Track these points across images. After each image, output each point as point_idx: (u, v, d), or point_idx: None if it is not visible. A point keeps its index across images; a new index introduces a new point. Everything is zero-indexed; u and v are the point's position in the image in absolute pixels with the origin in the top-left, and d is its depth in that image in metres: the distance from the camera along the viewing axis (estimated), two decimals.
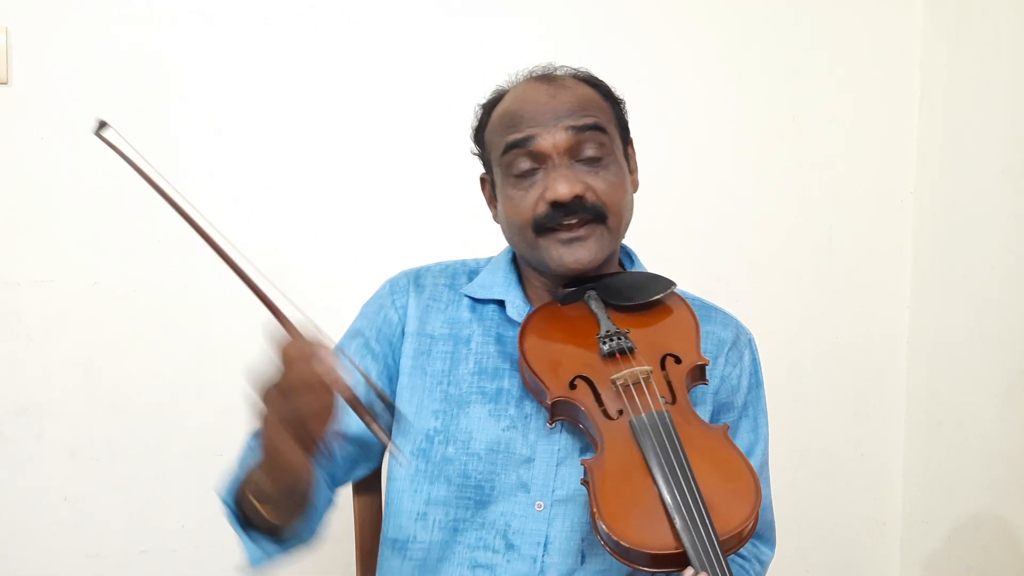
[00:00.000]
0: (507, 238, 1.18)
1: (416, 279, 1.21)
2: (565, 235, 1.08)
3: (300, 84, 1.75)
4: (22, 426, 1.68)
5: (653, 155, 1.83)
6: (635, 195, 1.18)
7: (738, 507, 0.93)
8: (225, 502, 1.04)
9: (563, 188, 1.06)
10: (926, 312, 1.89)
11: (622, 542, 0.90)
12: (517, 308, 1.15)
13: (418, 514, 1.10)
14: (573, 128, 1.09)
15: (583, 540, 1.06)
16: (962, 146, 1.80)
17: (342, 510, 1.43)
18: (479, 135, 1.20)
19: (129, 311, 1.70)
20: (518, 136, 1.10)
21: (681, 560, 0.90)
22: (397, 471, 1.13)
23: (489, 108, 1.19)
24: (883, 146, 1.92)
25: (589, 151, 1.10)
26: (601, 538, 0.93)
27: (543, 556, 1.05)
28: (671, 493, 0.92)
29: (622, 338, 1.06)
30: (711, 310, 1.20)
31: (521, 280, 1.19)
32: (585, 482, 0.98)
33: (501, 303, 1.17)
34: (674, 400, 1.03)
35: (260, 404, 0.85)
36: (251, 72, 1.73)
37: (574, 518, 1.06)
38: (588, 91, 1.15)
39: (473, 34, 1.79)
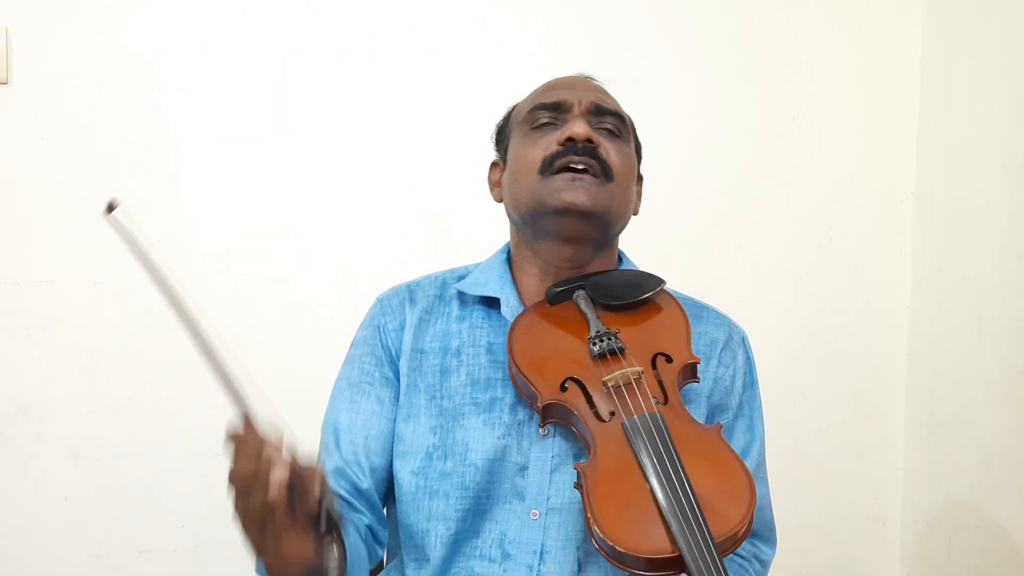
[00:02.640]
0: (509, 197, 1.16)
1: (411, 294, 1.20)
2: (570, 175, 1.08)
3: (301, 84, 1.75)
4: (22, 426, 1.68)
5: (653, 155, 1.83)
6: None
7: (733, 508, 0.92)
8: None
9: (580, 128, 1.08)
10: (926, 312, 1.89)
11: (617, 547, 0.89)
12: (511, 307, 1.14)
13: (422, 531, 1.09)
14: (599, 105, 1.13)
15: (579, 548, 1.05)
16: (962, 146, 1.80)
17: None
18: (502, 126, 1.22)
19: (129, 311, 1.70)
20: (546, 99, 1.14)
21: (678, 563, 0.88)
22: (399, 490, 1.12)
23: (518, 104, 1.22)
24: (883, 146, 1.92)
25: (608, 125, 1.13)
26: (596, 543, 0.92)
27: (539, 565, 1.04)
28: (665, 495, 0.91)
29: (612, 338, 1.05)
30: (702, 309, 1.19)
31: (514, 281, 1.18)
32: (579, 486, 0.96)
33: (490, 304, 1.16)
34: (666, 400, 1.02)
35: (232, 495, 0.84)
36: (252, 72, 1.73)
37: (570, 526, 1.05)
38: (618, 103, 1.19)
39: (473, 34, 1.80)
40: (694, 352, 1.07)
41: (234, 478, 0.82)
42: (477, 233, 1.79)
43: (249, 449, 0.82)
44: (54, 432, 1.68)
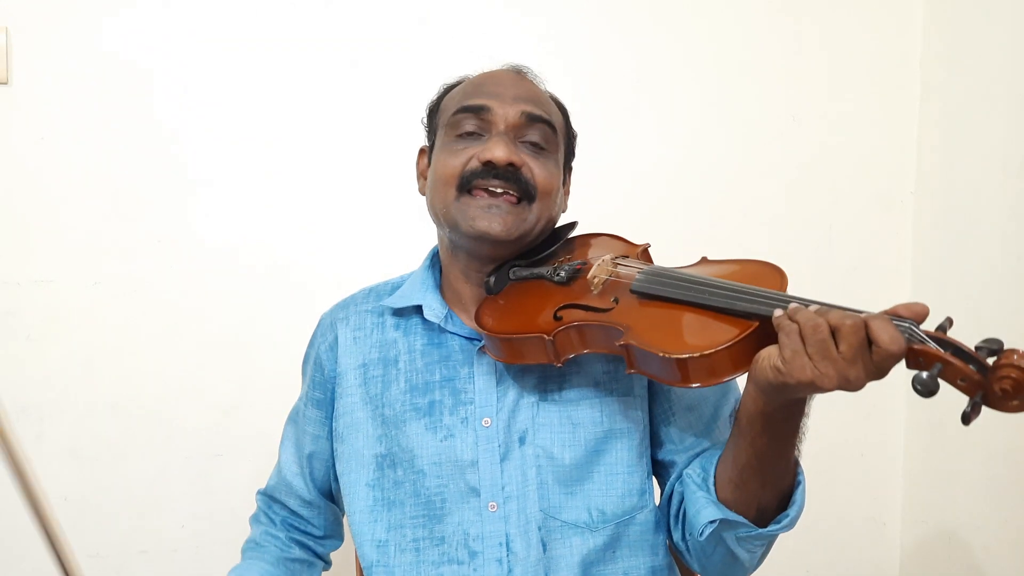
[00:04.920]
0: (428, 201, 1.15)
1: (343, 311, 1.22)
2: (486, 200, 1.07)
3: (301, 83, 1.75)
4: (22, 426, 1.68)
5: (652, 155, 1.84)
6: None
7: (770, 281, 0.97)
8: None
9: (500, 152, 1.06)
10: None
11: (706, 351, 0.89)
12: (434, 311, 1.14)
13: (379, 542, 1.10)
14: (526, 113, 1.10)
15: (540, 529, 1.06)
16: (962, 146, 1.80)
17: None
18: (433, 109, 1.20)
19: (129, 311, 1.70)
20: (473, 103, 1.11)
21: (756, 338, 0.91)
22: (354, 504, 1.13)
23: (452, 87, 1.20)
24: (883, 146, 1.92)
25: (534, 136, 1.10)
26: (680, 373, 0.91)
27: (507, 556, 1.05)
28: (714, 297, 0.93)
29: (568, 263, 1.09)
30: None
31: (440, 284, 1.18)
32: (628, 355, 0.95)
33: (421, 310, 1.16)
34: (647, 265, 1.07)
35: None
36: (252, 71, 1.73)
37: (528, 510, 1.06)
38: (551, 102, 1.17)
39: (473, 34, 1.80)
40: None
41: None
42: None
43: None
44: (54, 432, 1.68)
